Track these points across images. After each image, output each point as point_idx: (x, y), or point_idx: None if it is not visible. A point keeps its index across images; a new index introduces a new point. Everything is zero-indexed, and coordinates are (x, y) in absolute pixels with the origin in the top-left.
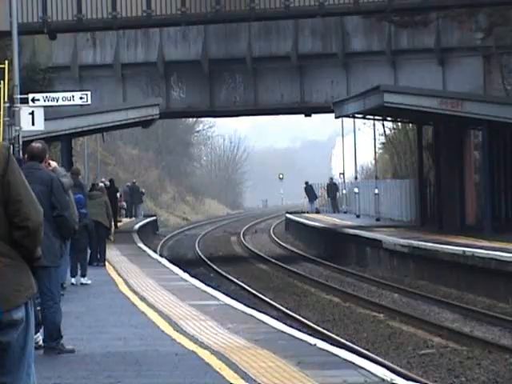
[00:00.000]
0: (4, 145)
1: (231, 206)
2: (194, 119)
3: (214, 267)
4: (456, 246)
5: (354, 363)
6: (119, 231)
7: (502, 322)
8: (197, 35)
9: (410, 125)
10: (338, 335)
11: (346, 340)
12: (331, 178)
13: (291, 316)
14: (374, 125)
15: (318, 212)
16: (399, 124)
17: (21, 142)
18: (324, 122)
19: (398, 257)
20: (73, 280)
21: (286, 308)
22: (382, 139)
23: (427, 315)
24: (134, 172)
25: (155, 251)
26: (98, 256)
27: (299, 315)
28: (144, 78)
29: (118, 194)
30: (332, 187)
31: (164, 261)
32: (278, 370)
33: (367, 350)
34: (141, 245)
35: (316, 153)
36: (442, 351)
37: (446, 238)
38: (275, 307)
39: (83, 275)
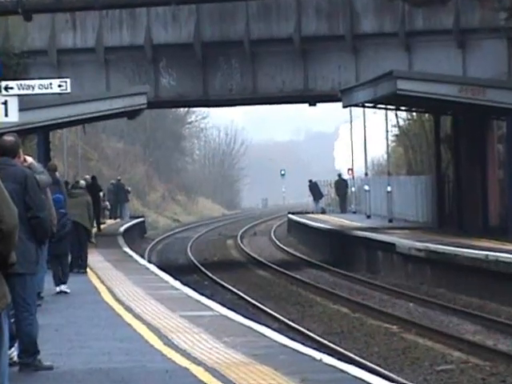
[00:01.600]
0: None
1: (227, 205)
2: (186, 109)
3: (209, 274)
4: (478, 249)
5: (364, 380)
6: (102, 234)
7: None
8: (188, 16)
9: (427, 115)
10: (346, 349)
11: (356, 355)
12: (340, 174)
13: (294, 328)
14: (386, 115)
15: (323, 212)
16: (414, 114)
17: None
18: (330, 112)
19: (414, 262)
20: (58, 289)
21: (289, 319)
22: (395, 131)
23: (446, 327)
24: (119, 168)
25: (143, 256)
26: (79, 262)
27: (303, 327)
28: (130, 64)
29: (101, 193)
30: (341, 184)
31: (152, 267)
32: None
33: (379, 365)
34: (126, 249)
35: (321, 146)
36: (463, 367)
37: (467, 240)
38: (276, 318)
39: (63, 282)
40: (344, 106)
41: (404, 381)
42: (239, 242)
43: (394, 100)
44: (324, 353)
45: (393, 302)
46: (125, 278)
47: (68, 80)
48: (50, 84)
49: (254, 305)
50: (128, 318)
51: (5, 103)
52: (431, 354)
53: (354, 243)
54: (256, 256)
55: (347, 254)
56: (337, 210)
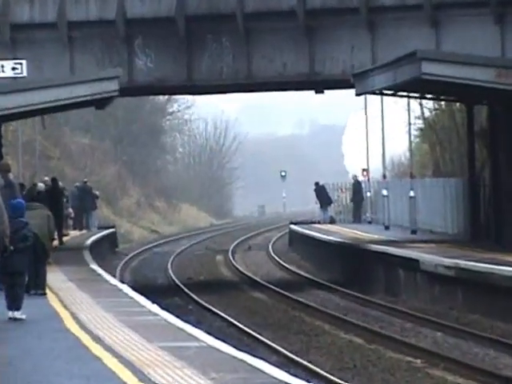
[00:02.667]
0: None
1: (216, 213)
2: (166, 97)
3: (193, 296)
4: None
5: None
6: (65, 248)
7: None
8: None
9: (457, 104)
10: None
11: None
12: (355, 176)
13: (297, 362)
14: (408, 104)
15: (332, 222)
16: (442, 103)
17: None
18: (341, 101)
19: (442, 282)
20: (10, 314)
21: (291, 351)
22: (420, 124)
23: (480, 361)
24: (85, 168)
25: (114, 275)
26: (36, 281)
27: (308, 361)
28: (98, 42)
29: (64, 199)
30: (357, 188)
31: (126, 288)
32: None
33: None
34: (94, 266)
35: (330, 142)
36: None
37: (506, 256)
38: (275, 350)
39: (17, 308)
40: (357, 94)
41: None
42: (230, 257)
43: (419, 86)
44: None
45: (417, 331)
46: (92, 301)
47: (24, 62)
48: (2, 66)
49: (248, 334)
50: (96, 349)
51: None
52: None
53: (370, 259)
54: (251, 275)
55: (361, 272)
56: (349, 219)
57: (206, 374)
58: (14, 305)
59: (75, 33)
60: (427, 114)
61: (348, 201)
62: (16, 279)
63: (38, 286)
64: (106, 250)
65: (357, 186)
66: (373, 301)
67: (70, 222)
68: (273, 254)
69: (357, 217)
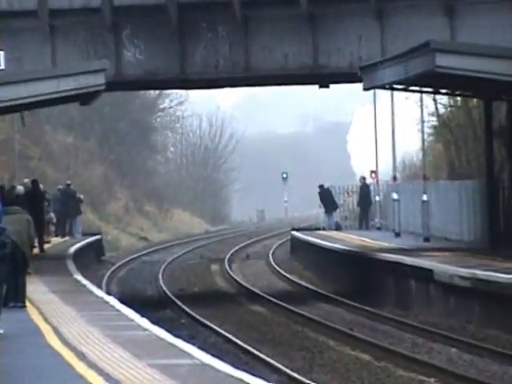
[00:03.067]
0: None
1: (212, 219)
2: (157, 92)
3: (186, 309)
4: None
5: None
6: (46, 257)
7: None
8: None
9: (475, 100)
10: None
11: None
12: (363, 178)
13: (299, 381)
14: (420, 100)
15: (338, 228)
16: (458, 99)
17: None
18: (347, 96)
19: (457, 294)
20: None
21: (292, 369)
22: (433, 121)
23: (499, 380)
24: (69, 170)
25: (99, 286)
26: (15, 293)
27: (311, 379)
28: (83, 32)
29: (45, 202)
30: (364, 191)
31: (112, 300)
32: None
33: None
34: (78, 277)
35: (335, 141)
36: None
37: None
38: (276, 368)
39: None
40: (365, 89)
41: None
42: (227, 267)
43: (432, 80)
44: None
45: (429, 347)
46: (76, 314)
47: (1, 53)
48: None
49: (246, 350)
50: (80, 367)
51: None
52: None
53: (379, 269)
54: (249, 286)
55: (369, 283)
56: (356, 225)
57: None
58: None
59: (58, 22)
60: (441, 110)
61: (355, 205)
62: None
63: (18, 298)
64: (91, 258)
65: (364, 189)
66: (382, 314)
67: (52, 228)
68: (273, 263)
69: (363, 223)
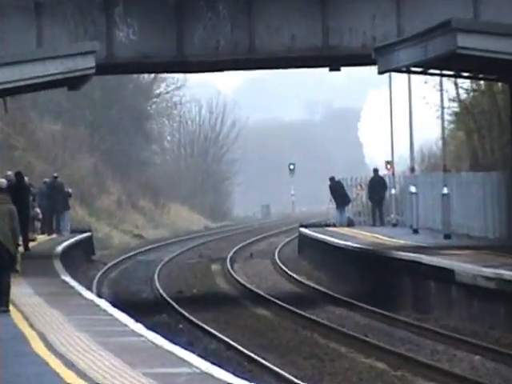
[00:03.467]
0: None
1: (212, 215)
2: (152, 76)
3: (185, 314)
4: None
5: None
6: (32, 256)
7: None
8: None
9: (500, 84)
10: None
11: None
12: (376, 170)
13: None
14: (440, 84)
15: (351, 225)
16: (481, 83)
17: None
18: (360, 80)
19: (480, 296)
20: None
21: (301, 379)
22: (455, 107)
23: None
24: (56, 160)
25: (90, 288)
26: None
27: None
28: (71, 10)
29: (30, 197)
30: (377, 184)
31: (104, 303)
32: None
33: None
34: (66, 278)
35: (347, 129)
36: None
37: None
38: (283, 377)
39: None
40: (380, 72)
41: None
42: (229, 267)
43: (453, 62)
44: None
45: (451, 354)
46: (64, 319)
47: None
48: None
49: (250, 358)
50: (69, 376)
51: None
52: None
53: (395, 269)
54: (253, 288)
55: (385, 284)
56: (370, 221)
57: None
58: None
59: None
60: (463, 95)
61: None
62: None
63: (1, 301)
64: (81, 258)
65: (377, 182)
66: (398, 318)
67: (38, 225)
68: (279, 262)
69: (377, 218)
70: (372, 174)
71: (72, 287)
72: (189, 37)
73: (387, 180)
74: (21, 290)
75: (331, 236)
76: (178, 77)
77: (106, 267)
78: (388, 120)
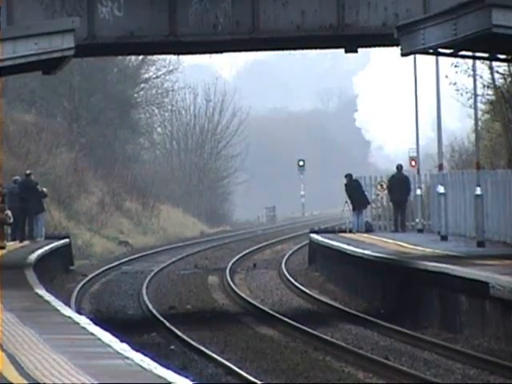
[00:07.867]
0: None
1: (209, 218)
2: (140, 58)
3: (177, 333)
4: None
5: None
6: (1, 266)
7: None
8: None
9: None
10: None
11: None
12: (400, 167)
13: None
14: (473, 68)
15: (369, 230)
16: None
17: None
18: (381, 63)
19: None
20: None
21: None
22: (490, 95)
23: None
24: (29, 156)
25: (68, 303)
26: None
27: None
28: None
29: None
30: (399, 183)
31: (84, 321)
32: None
33: None
34: (41, 291)
35: None
36: None
37: None
38: None
39: None
40: (403, 54)
41: None
42: (228, 279)
43: (488, 43)
44: None
45: (484, 380)
46: (38, 338)
47: None
48: None
49: None
50: None
51: None
52: None
53: (421, 282)
54: (257, 303)
55: (409, 299)
56: (392, 226)
57: None
58: None
59: None
60: (499, 81)
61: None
62: None
63: None
64: (57, 268)
65: (400, 180)
66: (424, 338)
67: (8, 230)
68: (287, 273)
69: (399, 223)
70: (394, 171)
71: (47, 302)
72: (182, 13)
73: (411, 179)
74: None
75: (347, 243)
76: (170, 59)
77: (87, 279)
78: (414, 110)
